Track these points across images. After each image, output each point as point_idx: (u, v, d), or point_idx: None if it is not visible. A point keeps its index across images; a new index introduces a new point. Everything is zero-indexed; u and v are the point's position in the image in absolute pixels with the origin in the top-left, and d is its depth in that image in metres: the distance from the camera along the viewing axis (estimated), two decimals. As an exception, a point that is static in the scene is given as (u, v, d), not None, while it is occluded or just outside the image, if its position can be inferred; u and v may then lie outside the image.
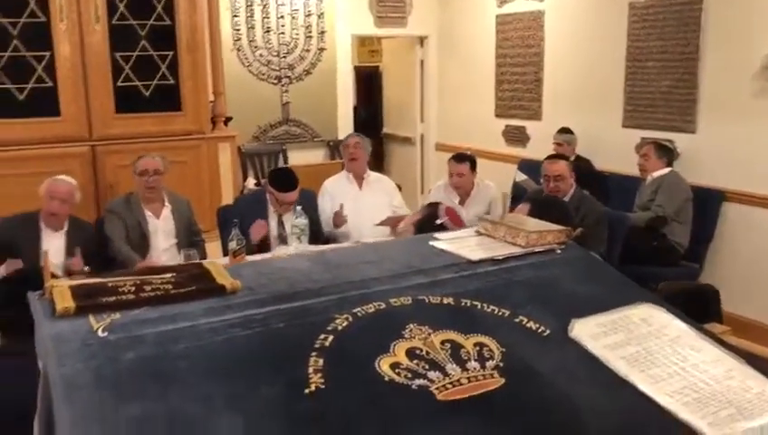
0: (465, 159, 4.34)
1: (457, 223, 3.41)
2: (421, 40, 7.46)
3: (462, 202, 4.36)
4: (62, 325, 1.28)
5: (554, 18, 6.02)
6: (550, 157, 4.31)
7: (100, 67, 5.06)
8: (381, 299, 1.44)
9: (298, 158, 6.78)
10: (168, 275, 1.50)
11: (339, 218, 4.08)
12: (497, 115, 6.70)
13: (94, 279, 1.48)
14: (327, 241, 4.06)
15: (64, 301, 1.34)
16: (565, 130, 5.62)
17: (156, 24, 5.24)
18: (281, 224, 4.06)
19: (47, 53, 4.91)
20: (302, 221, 3.68)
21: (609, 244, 3.95)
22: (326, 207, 4.29)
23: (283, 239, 4.02)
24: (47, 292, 1.42)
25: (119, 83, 5.17)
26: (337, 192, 4.33)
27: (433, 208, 3.64)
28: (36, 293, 1.44)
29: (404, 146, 7.92)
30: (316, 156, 6.96)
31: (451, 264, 1.62)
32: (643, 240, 4.43)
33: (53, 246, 3.55)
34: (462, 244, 1.75)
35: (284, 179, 3.91)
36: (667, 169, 4.70)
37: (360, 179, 4.39)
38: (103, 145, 5.13)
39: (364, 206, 4.27)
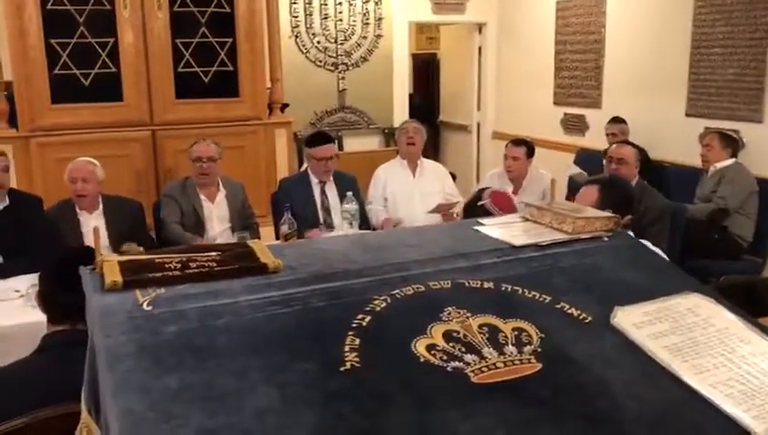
0: (522, 144, 4.29)
1: (504, 207, 3.33)
2: (480, 27, 7.39)
3: (515, 191, 4.30)
4: (110, 299, 1.32)
5: (617, 4, 5.86)
6: (622, 141, 4.27)
7: (161, 54, 5.19)
8: (420, 282, 1.43)
9: (353, 144, 6.83)
10: (214, 254, 1.53)
11: (388, 225, 4.08)
12: (556, 103, 6.59)
13: (142, 256, 1.53)
14: (374, 228, 4.10)
15: (113, 275, 1.38)
16: (618, 120, 5.48)
17: (216, 11, 5.34)
18: (324, 195, 4.10)
19: (111, 40, 5.06)
20: (353, 207, 3.71)
21: (669, 236, 3.84)
22: (378, 192, 4.31)
23: (327, 212, 4.06)
24: (98, 266, 1.47)
25: (179, 69, 5.30)
26: (390, 178, 4.35)
27: (479, 192, 3.61)
28: (88, 267, 1.49)
29: (460, 134, 7.87)
30: (371, 143, 6.99)
31: (493, 249, 1.61)
32: (704, 233, 4.29)
33: (92, 226, 3.64)
34: (506, 229, 1.73)
35: (318, 136, 4.17)
36: (731, 160, 4.54)
37: (413, 166, 4.39)
38: (163, 130, 5.28)
39: (417, 193, 4.27)
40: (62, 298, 1.75)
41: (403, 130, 4.40)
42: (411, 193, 4.28)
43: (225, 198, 4.04)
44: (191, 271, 1.44)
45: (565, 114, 6.49)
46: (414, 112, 7.25)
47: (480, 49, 7.48)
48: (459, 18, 7.21)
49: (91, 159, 3.77)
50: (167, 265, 1.46)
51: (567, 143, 6.34)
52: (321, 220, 4.02)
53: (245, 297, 1.35)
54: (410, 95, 7.44)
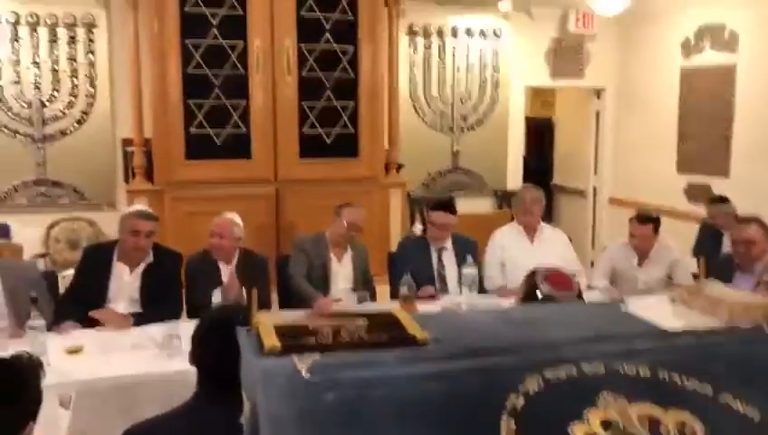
0: (648, 221, 4.11)
1: (565, 287, 3.01)
2: (598, 92, 7.31)
3: (640, 262, 4.15)
4: (269, 363, 1.36)
5: (748, 72, 5.66)
6: (741, 219, 4.00)
7: (288, 115, 5.45)
8: (572, 363, 1.40)
9: (465, 206, 6.81)
10: (361, 322, 1.55)
11: (506, 294, 4.01)
12: (679, 171, 6.36)
13: (294, 320, 1.58)
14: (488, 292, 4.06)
15: (271, 339, 1.43)
16: (719, 200, 5.12)
17: (340, 76, 5.57)
18: (441, 263, 4.11)
19: (243, 102, 5.36)
20: (473, 271, 3.69)
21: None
22: (494, 258, 4.27)
23: (443, 280, 4.05)
24: (253, 328, 1.53)
25: (304, 130, 5.53)
26: (507, 244, 4.30)
27: (531, 281, 3.12)
28: (244, 328, 1.55)
29: (575, 198, 7.72)
30: (484, 205, 6.98)
31: (645, 332, 1.55)
32: None
33: (226, 276, 3.81)
34: (656, 311, 1.67)
35: (444, 202, 4.24)
36: None
37: (532, 232, 4.33)
38: (286, 186, 5.49)
39: (535, 260, 4.17)
40: (219, 363, 1.80)
41: (521, 199, 4.35)
42: (529, 260, 4.18)
43: (351, 258, 4.12)
44: (343, 339, 1.47)
45: (689, 183, 6.25)
46: (528, 175, 7.20)
47: (598, 113, 7.38)
48: (578, 83, 7.17)
49: (234, 217, 3.92)
50: (319, 332, 1.50)
51: (691, 213, 6.08)
52: (437, 286, 4.02)
53: (398, 370, 1.36)
54: (525, 158, 7.40)
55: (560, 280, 2.96)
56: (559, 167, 8.16)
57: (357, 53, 5.57)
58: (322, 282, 3.97)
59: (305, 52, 5.45)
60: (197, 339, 1.96)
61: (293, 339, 1.45)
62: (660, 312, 1.68)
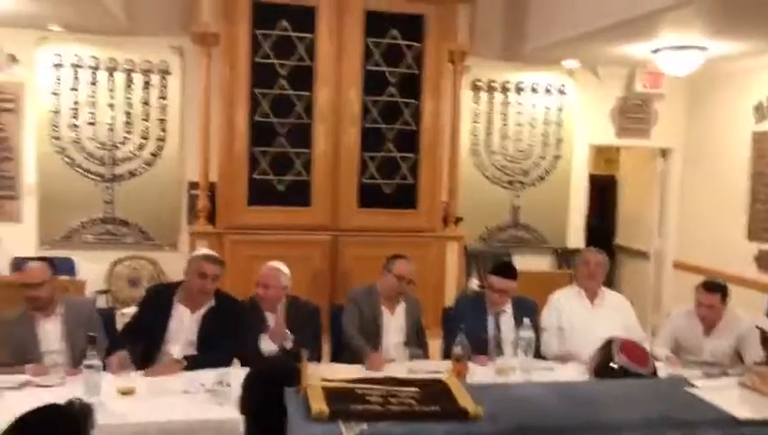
0: (716, 290, 3.94)
1: (641, 361, 2.86)
2: (664, 152, 7.16)
3: (706, 333, 3.98)
4: (316, 429, 1.34)
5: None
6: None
7: (350, 165, 5.50)
8: (634, 450, 1.33)
9: (523, 263, 6.70)
10: (413, 390, 1.52)
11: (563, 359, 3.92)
12: (750, 237, 6.12)
13: (344, 383, 1.55)
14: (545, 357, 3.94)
15: (319, 403, 1.41)
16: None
17: (402, 128, 5.62)
18: (497, 327, 4.02)
19: (306, 151, 5.45)
20: (530, 335, 3.59)
21: None
22: (552, 322, 4.15)
23: (498, 344, 3.96)
24: (302, 389, 1.51)
25: (364, 180, 5.57)
26: (566, 307, 4.17)
27: (607, 351, 3.07)
28: (292, 389, 1.53)
29: (637, 260, 7.51)
30: (542, 263, 6.85)
31: (713, 419, 1.46)
32: None
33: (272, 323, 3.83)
34: (723, 395, 1.57)
35: (504, 267, 4.14)
36: None
37: (593, 296, 4.20)
38: (344, 235, 5.51)
39: (595, 325, 4.05)
40: (266, 416, 1.78)
41: (584, 262, 4.22)
42: (589, 325, 4.06)
43: (404, 311, 4.08)
44: (392, 407, 1.44)
45: (760, 250, 6.00)
46: (589, 234, 7.06)
47: (663, 174, 7.21)
48: (643, 142, 7.04)
49: (280, 266, 3.95)
50: (368, 398, 1.47)
51: (761, 282, 5.82)
52: (491, 348, 3.93)
53: (447, 445, 1.32)
54: (586, 216, 7.27)
55: (636, 353, 2.83)
56: (622, 226, 7.97)
57: (419, 106, 5.62)
58: (374, 335, 3.93)
59: (369, 103, 5.53)
60: (246, 389, 1.95)
61: (342, 404, 1.42)
62: (728, 396, 1.59)
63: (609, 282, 7.28)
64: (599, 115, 6.86)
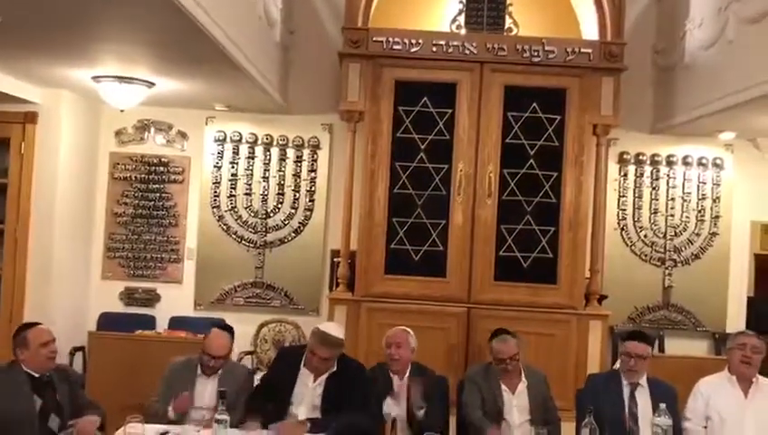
0: None
1: None
2: (840, 229, 6.46)
3: None
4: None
5: None
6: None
7: (486, 237, 5.49)
8: None
9: (676, 347, 6.26)
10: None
11: None
12: None
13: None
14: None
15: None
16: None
17: (542, 201, 5.54)
18: (633, 401, 3.76)
19: (443, 222, 5.53)
20: (666, 421, 3.33)
21: None
22: (698, 411, 3.81)
23: (634, 420, 3.70)
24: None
25: (500, 253, 5.53)
26: (715, 395, 3.81)
27: None
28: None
29: (811, 350, 6.71)
30: (698, 348, 6.33)
31: None
32: None
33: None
34: None
35: (638, 333, 4.06)
36: None
37: (746, 385, 3.81)
38: (479, 309, 5.45)
39: (748, 417, 3.67)
40: None
41: (738, 346, 3.84)
42: (741, 416, 3.69)
43: (526, 388, 3.94)
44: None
45: None
46: (753, 318, 6.44)
47: (842, 255, 6.51)
48: (816, 220, 6.43)
49: (407, 328, 4.07)
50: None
51: None
52: (627, 428, 3.68)
53: None
54: (750, 298, 6.66)
55: None
56: (794, 311, 7.20)
57: (560, 178, 5.52)
58: (496, 414, 3.82)
59: (507, 176, 5.53)
60: None
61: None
62: None
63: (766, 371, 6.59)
64: (761, 190, 6.36)
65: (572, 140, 5.53)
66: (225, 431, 3.15)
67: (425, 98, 5.55)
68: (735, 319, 6.30)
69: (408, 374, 3.88)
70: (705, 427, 3.78)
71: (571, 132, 5.53)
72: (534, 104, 5.55)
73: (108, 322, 6.01)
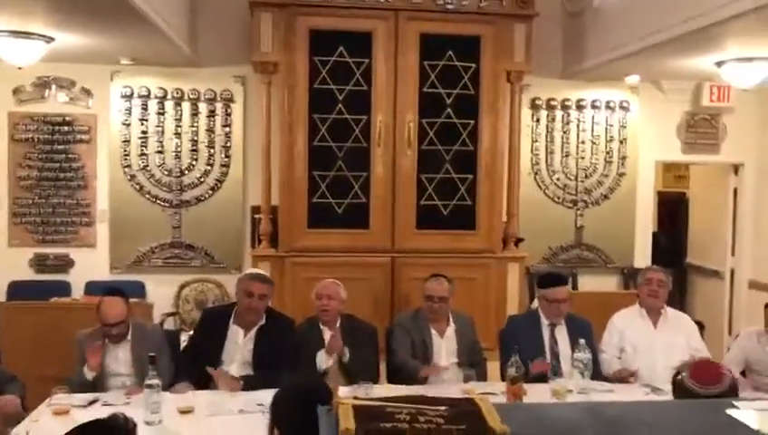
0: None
1: (709, 381, 2.59)
2: (735, 167, 6.89)
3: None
4: (342, 446, 1.36)
5: None
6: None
7: (407, 187, 5.54)
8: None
9: (588, 283, 6.57)
10: (442, 408, 1.52)
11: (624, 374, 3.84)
12: (829, 254, 5.81)
13: (375, 401, 1.57)
14: (606, 378, 3.84)
15: (347, 421, 1.43)
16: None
17: (460, 149, 5.62)
18: (553, 339, 3.95)
19: (364, 174, 5.52)
20: (586, 356, 3.51)
21: None
22: (613, 343, 4.05)
23: (555, 357, 3.90)
24: (334, 408, 1.53)
25: (422, 202, 5.59)
26: (628, 328, 4.07)
27: (677, 375, 2.73)
28: (325, 407, 1.56)
29: (710, 280, 7.22)
30: (608, 283, 6.67)
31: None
32: None
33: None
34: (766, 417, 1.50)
35: (553, 277, 4.13)
36: None
37: (655, 316, 4.07)
38: (403, 257, 5.53)
39: (658, 346, 3.93)
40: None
41: (646, 281, 4.10)
42: (651, 345, 3.95)
43: (454, 332, 4.06)
44: (419, 425, 1.44)
45: (841, 267, 5.69)
46: (658, 253, 6.84)
47: (736, 190, 6.94)
48: (712, 159, 6.80)
49: (336, 280, 4.09)
50: (396, 416, 1.48)
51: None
52: (549, 352, 3.87)
53: (472, 464, 1.32)
54: (654, 234, 7.05)
55: (704, 372, 2.67)
56: (693, 245, 7.69)
57: (477, 126, 5.60)
58: (426, 358, 3.93)
59: (426, 125, 5.56)
60: (277, 405, 1.97)
61: (369, 422, 1.43)
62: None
63: (681, 302, 7.06)
64: (665, 131, 6.68)
65: (488, 87, 5.60)
66: (159, 395, 3.09)
67: (341, 47, 5.46)
68: (642, 255, 6.66)
69: (338, 325, 3.92)
70: (620, 357, 4.03)
71: (486, 80, 5.60)
72: (450, 52, 5.57)
73: (18, 290, 5.75)
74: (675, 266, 6.46)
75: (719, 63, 5.29)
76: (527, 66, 5.71)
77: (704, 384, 2.52)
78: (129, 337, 3.71)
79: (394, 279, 5.53)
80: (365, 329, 4.08)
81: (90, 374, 3.53)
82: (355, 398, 1.59)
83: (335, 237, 5.50)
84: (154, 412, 3.05)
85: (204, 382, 3.63)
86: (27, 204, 5.95)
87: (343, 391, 2.94)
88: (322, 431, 1.49)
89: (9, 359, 4.43)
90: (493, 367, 4.31)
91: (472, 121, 5.61)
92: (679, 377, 2.62)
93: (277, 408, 1.95)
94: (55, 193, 5.97)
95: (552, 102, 6.53)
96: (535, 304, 6.33)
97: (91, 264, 6.00)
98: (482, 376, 4.09)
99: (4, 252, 5.95)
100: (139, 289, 5.77)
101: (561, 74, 6.45)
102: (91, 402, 3.37)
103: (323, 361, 3.79)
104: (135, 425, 1.85)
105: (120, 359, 3.68)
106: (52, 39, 4.76)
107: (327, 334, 3.90)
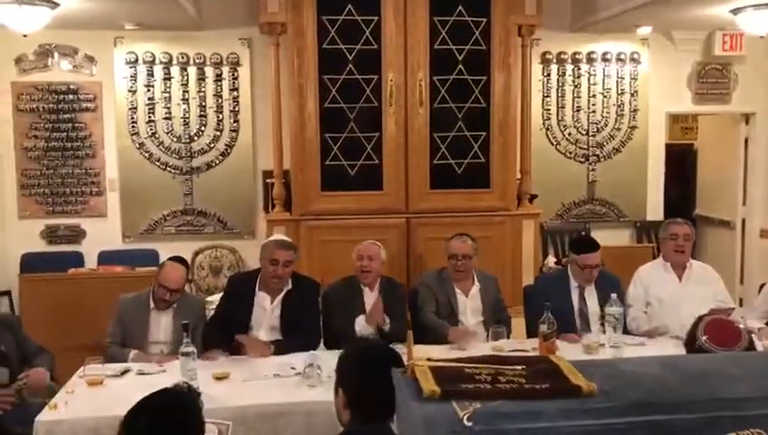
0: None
1: (726, 341, 2.58)
2: (746, 117, 6.85)
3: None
4: (430, 409, 1.34)
5: None
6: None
7: (420, 146, 5.47)
8: (760, 425, 1.28)
9: (602, 238, 6.39)
10: (520, 368, 1.50)
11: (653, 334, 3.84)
12: (842, 202, 5.82)
13: (451, 362, 1.55)
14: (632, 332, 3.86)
15: (429, 383, 1.40)
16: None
17: (472, 106, 5.54)
18: (582, 301, 3.96)
19: (376, 134, 5.44)
20: (618, 310, 3.52)
21: None
22: (639, 298, 4.05)
23: (584, 319, 3.91)
24: (409, 370, 1.51)
25: (435, 161, 5.53)
26: (653, 282, 4.06)
27: (692, 332, 2.72)
28: (399, 370, 1.54)
29: (721, 230, 7.23)
30: (621, 237, 6.68)
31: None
32: None
33: (371, 302, 3.89)
34: None
35: (586, 242, 4.10)
36: None
37: (680, 270, 4.07)
38: (417, 218, 5.50)
39: (685, 299, 3.93)
40: (379, 397, 1.78)
41: (671, 235, 4.07)
42: (678, 299, 3.95)
43: (479, 291, 4.06)
44: (502, 386, 1.42)
45: None
46: (668, 205, 6.84)
47: (747, 139, 6.91)
48: (724, 108, 6.75)
49: (376, 242, 4.10)
50: (477, 377, 1.46)
51: None
52: (578, 326, 3.87)
53: (563, 422, 1.30)
54: (664, 187, 7.03)
55: (722, 333, 2.64)
56: (702, 196, 7.69)
57: (489, 82, 5.52)
58: (451, 318, 3.93)
59: (437, 83, 5.48)
60: (345, 369, 1.96)
61: (452, 384, 1.41)
62: None
63: (692, 253, 7.07)
64: (675, 82, 6.61)
65: (499, 42, 5.50)
66: (195, 362, 3.09)
67: (349, 5, 5.34)
68: (654, 208, 6.66)
69: (378, 286, 3.91)
70: (646, 311, 4.04)
71: (497, 35, 5.49)
72: (460, 7, 5.44)
73: (32, 262, 5.71)
74: (684, 218, 6.45)
75: (735, 11, 5.20)
76: (538, 19, 5.60)
77: (725, 346, 2.50)
78: (174, 305, 3.70)
79: (409, 240, 5.50)
80: (400, 291, 4.09)
81: (133, 355, 3.54)
82: (428, 359, 1.56)
83: (349, 200, 5.45)
84: (192, 379, 3.04)
85: (234, 350, 3.62)
86: (35, 175, 5.88)
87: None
88: (401, 395, 1.46)
89: (30, 331, 4.41)
90: (516, 324, 4.33)
91: (484, 78, 5.52)
92: (697, 344, 2.59)
93: (343, 370, 1.94)
94: (63, 163, 5.90)
95: (563, 56, 6.44)
96: (549, 259, 6.39)
97: (102, 233, 5.96)
98: (508, 333, 4.10)
99: (14, 224, 5.90)
100: (152, 258, 5.73)
101: (570, 27, 6.36)
102: (124, 372, 3.36)
103: (364, 327, 3.78)
104: (199, 393, 1.84)
105: (161, 325, 3.68)
106: (56, 4, 4.64)
107: (367, 296, 3.89)
